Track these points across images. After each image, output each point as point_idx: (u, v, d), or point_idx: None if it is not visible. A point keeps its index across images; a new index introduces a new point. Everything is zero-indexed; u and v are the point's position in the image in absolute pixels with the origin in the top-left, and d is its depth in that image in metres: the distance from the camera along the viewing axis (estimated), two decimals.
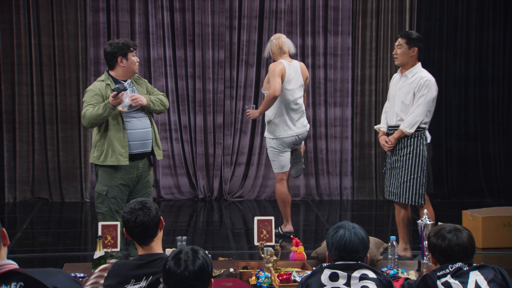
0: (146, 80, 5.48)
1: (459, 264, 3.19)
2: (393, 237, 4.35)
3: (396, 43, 5.71)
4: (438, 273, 3.20)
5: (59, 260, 5.77)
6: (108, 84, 5.18)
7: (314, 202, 8.57)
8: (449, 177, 8.89)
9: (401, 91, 5.65)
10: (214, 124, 8.60)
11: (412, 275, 4.16)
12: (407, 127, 5.53)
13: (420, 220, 4.31)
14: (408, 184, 5.60)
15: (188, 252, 2.73)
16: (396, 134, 5.59)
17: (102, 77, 5.29)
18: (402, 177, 5.62)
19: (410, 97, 5.57)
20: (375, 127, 6.03)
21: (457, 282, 3.15)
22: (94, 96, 5.13)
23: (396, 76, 5.82)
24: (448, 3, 8.78)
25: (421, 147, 5.57)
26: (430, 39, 8.76)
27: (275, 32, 8.57)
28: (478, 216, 6.47)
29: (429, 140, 5.64)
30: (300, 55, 8.61)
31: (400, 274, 4.11)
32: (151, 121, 5.32)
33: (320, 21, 8.65)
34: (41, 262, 5.98)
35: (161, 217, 3.25)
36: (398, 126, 5.62)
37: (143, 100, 5.19)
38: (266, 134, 6.70)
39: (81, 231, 7.41)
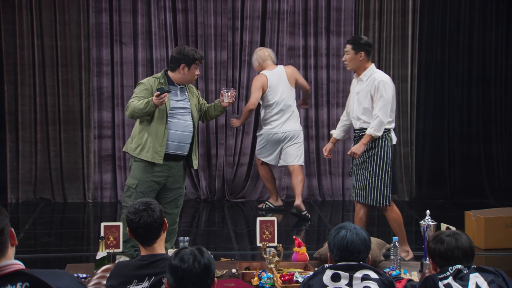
0: (199, 92, 5.68)
1: (459, 266, 3.20)
2: (395, 238, 4.36)
3: (345, 49, 5.79)
4: (439, 276, 3.21)
5: (61, 261, 5.77)
6: (162, 82, 5.35)
7: (317, 202, 8.56)
8: (451, 177, 8.87)
9: (359, 95, 5.70)
10: (216, 125, 8.59)
11: (415, 276, 4.16)
12: (375, 130, 5.52)
13: (422, 221, 4.31)
14: (373, 185, 5.60)
15: (193, 250, 2.74)
16: (364, 140, 5.55)
17: (159, 74, 5.49)
18: (368, 179, 5.62)
19: (369, 100, 5.60)
20: (331, 131, 6.13)
21: (458, 285, 3.15)
22: (143, 90, 5.32)
23: (353, 80, 5.88)
24: (451, 4, 8.77)
25: (386, 148, 5.58)
26: (433, 39, 8.76)
27: (278, 33, 8.59)
28: (480, 217, 6.46)
29: (394, 141, 5.65)
30: (303, 55, 8.61)
31: (402, 275, 4.11)
32: (194, 127, 5.43)
33: (322, 22, 8.65)
34: (44, 262, 5.98)
35: (165, 219, 3.26)
36: (363, 129, 5.62)
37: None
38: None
39: (84, 231, 7.41)
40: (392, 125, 5.63)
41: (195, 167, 5.55)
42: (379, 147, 5.58)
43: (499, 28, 8.86)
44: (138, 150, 5.30)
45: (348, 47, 5.70)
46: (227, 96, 5.53)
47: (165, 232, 3.28)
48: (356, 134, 5.75)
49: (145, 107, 5.15)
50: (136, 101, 5.23)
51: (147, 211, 3.19)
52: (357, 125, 5.72)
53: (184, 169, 5.50)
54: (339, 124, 6.04)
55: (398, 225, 5.65)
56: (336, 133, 6.01)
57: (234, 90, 5.64)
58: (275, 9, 8.60)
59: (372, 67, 5.70)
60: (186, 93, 5.47)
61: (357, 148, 5.57)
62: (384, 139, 5.58)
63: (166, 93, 5.11)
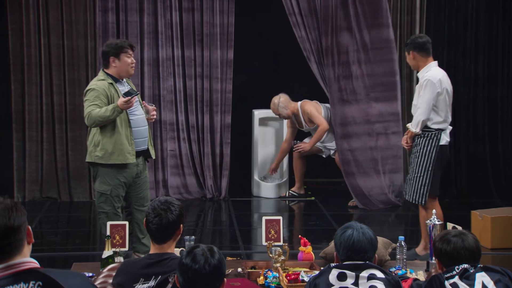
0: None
1: (465, 265, 3.20)
2: (401, 237, 4.35)
3: None
4: (445, 275, 3.20)
5: (67, 260, 5.79)
6: (111, 83, 5.24)
7: (322, 201, 8.54)
8: (457, 177, 8.85)
9: (415, 91, 5.86)
10: (222, 124, 8.58)
11: (421, 276, 4.16)
12: (412, 126, 5.70)
13: (428, 221, 4.31)
14: (411, 181, 5.75)
15: (205, 251, 2.74)
16: (407, 132, 5.79)
17: (101, 75, 5.32)
18: (409, 174, 5.82)
19: (417, 97, 5.75)
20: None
21: (464, 284, 3.15)
22: (98, 96, 5.16)
23: None
24: (458, 3, 8.74)
25: (428, 147, 5.65)
26: (439, 38, 8.73)
27: None
28: (487, 216, 6.44)
29: (443, 142, 5.69)
30: (307, 56, 8.60)
31: (408, 275, 4.10)
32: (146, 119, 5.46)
33: (329, 21, 8.62)
34: (50, 261, 6.00)
35: (182, 225, 3.24)
36: None
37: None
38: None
39: (90, 230, 7.43)
40: (442, 125, 5.71)
41: (153, 156, 5.55)
42: (422, 145, 5.68)
43: (506, 27, 8.83)
44: (107, 157, 5.19)
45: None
46: (146, 112, 5.39)
47: (179, 236, 3.28)
48: None
49: (111, 114, 5.03)
50: (97, 109, 5.08)
51: (166, 212, 3.18)
52: None
53: (145, 162, 5.51)
54: None
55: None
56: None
57: (155, 109, 5.45)
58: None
59: (429, 65, 5.74)
60: (129, 86, 5.40)
61: (402, 139, 5.88)
62: (428, 138, 5.66)
63: (135, 96, 5.03)
